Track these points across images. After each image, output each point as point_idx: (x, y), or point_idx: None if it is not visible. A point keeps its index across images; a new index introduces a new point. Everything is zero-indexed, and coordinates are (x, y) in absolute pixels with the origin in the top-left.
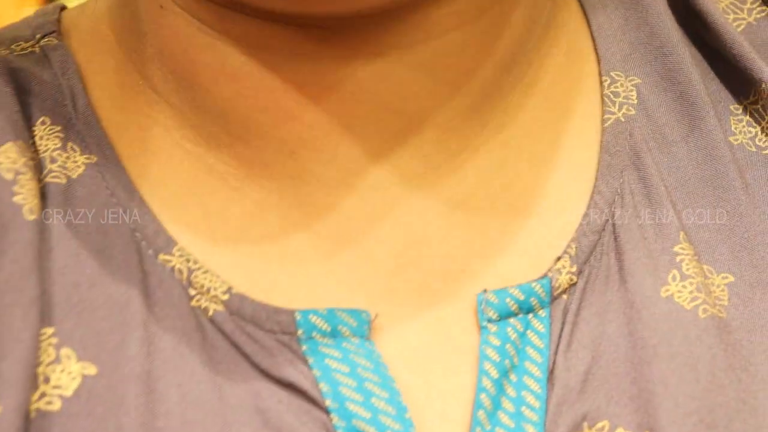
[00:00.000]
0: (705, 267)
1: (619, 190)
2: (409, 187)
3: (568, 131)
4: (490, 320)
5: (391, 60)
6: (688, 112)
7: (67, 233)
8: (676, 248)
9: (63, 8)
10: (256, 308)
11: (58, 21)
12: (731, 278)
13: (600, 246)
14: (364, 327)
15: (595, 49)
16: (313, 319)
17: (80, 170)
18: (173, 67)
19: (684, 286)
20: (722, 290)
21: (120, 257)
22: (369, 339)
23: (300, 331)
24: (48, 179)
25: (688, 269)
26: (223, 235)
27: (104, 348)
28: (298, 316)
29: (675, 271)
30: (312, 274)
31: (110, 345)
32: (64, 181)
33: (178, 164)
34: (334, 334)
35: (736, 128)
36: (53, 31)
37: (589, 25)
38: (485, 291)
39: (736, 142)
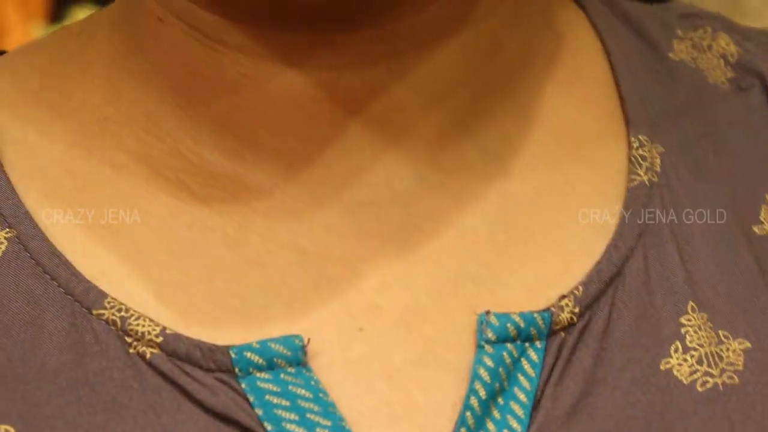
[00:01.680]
0: (721, 332)
1: (634, 250)
2: (401, 206)
3: (584, 179)
4: (487, 341)
5: (380, 70)
6: (711, 190)
7: None
8: (683, 319)
9: None
10: (190, 347)
11: None
12: (748, 344)
13: (606, 297)
14: (298, 354)
15: (623, 108)
16: (249, 355)
17: (3, 247)
18: (171, 83)
19: (685, 359)
20: (738, 355)
21: (52, 325)
22: (306, 365)
23: (237, 369)
24: None
25: (692, 341)
26: (203, 265)
27: (43, 419)
28: (233, 354)
29: (678, 343)
30: (295, 292)
31: (48, 414)
32: None
33: (146, 201)
34: (271, 365)
35: (764, 217)
36: None
37: (617, 81)
38: (488, 312)
39: (761, 232)
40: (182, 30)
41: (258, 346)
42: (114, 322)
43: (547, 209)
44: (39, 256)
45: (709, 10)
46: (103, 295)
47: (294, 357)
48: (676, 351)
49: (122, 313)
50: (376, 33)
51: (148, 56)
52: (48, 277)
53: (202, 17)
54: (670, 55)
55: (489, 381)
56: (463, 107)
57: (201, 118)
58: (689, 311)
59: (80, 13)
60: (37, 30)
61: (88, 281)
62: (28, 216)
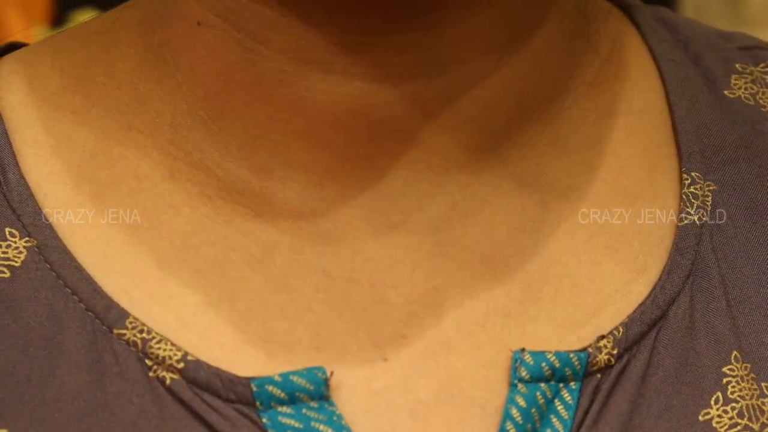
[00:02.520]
0: (764, 385)
1: (681, 293)
2: (432, 232)
3: (625, 216)
4: (521, 380)
5: (420, 83)
6: (764, 234)
7: (14, 328)
8: (725, 368)
9: (9, 48)
10: (211, 376)
11: None
12: None
13: (647, 340)
14: (321, 388)
15: (676, 140)
16: (270, 388)
17: (22, 256)
18: (204, 92)
19: (725, 411)
20: None
21: (71, 343)
22: (328, 399)
23: (258, 403)
24: None
25: (733, 392)
26: (225, 285)
27: None
28: (255, 387)
29: (719, 394)
30: (320, 318)
31: None
32: (7, 274)
33: (169, 215)
34: (293, 400)
35: None
36: None
37: (672, 112)
38: (523, 350)
39: None
40: (223, 32)
41: (280, 379)
42: (135, 344)
43: (583, 244)
44: (60, 268)
45: (710, 18)
46: (125, 314)
47: (317, 391)
48: (716, 402)
49: (144, 335)
50: (421, 38)
51: (181, 65)
52: (69, 291)
53: (249, 12)
54: (726, 92)
55: (521, 422)
56: (499, 132)
57: (232, 130)
58: (732, 361)
59: (82, 18)
60: (40, 34)
61: (109, 298)
62: (48, 225)
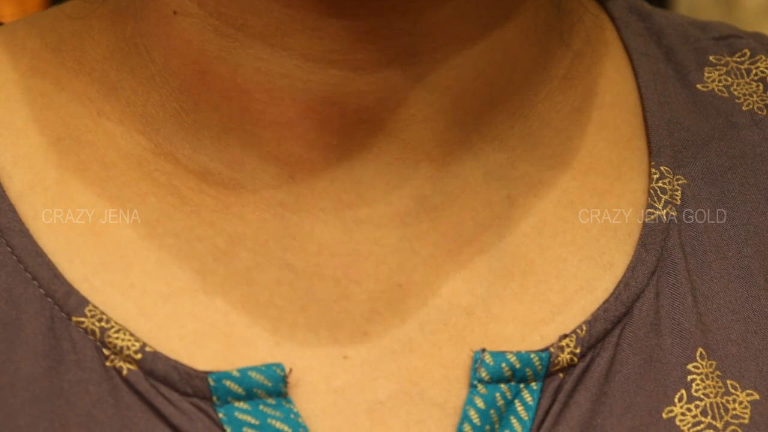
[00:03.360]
0: (729, 382)
1: (645, 289)
2: (398, 226)
3: (592, 211)
4: (480, 380)
5: (395, 72)
6: (734, 228)
7: None
8: (690, 366)
9: None
10: (168, 368)
11: None
12: (756, 396)
13: (611, 337)
14: (279, 385)
15: (647, 134)
16: (228, 383)
17: None
18: (179, 84)
19: (689, 409)
20: (744, 407)
21: (29, 328)
22: (286, 397)
23: (215, 397)
24: None
25: (697, 390)
26: (188, 276)
27: (16, 426)
28: (212, 382)
29: (683, 392)
30: (282, 312)
31: (22, 424)
32: None
33: (134, 204)
34: (251, 396)
35: None
36: None
37: (643, 106)
38: (483, 350)
39: None
40: (199, 20)
41: (238, 374)
42: (93, 332)
43: (549, 240)
44: (21, 252)
45: (704, 16)
46: (85, 302)
47: (274, 388)
48: (680, 400)
49: (102, 324)
50: (397, 23)
51: (155, 56)
52: (29, 275)
53: None
54: (699, 86)
55: (479, 423)
56: (470, 124)
57: (206, 123)
58: (698, 358)
59: None
60: None
61: (69, 285)
62: (11, 209)
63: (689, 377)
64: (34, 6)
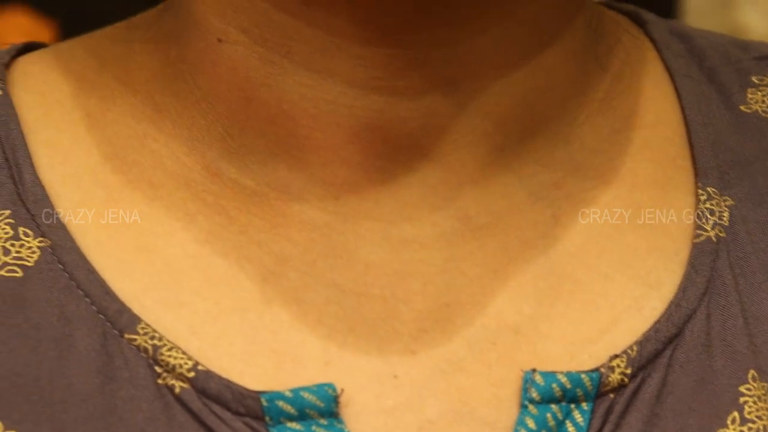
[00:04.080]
0: None
1: (697, 310)
2: (444, 247)
3: (638, 231)
4: (531, 401)
5: (437, 98)
6: None
7: (25, 328)
8: (742, 387)
9: (28, 48)
10: (221, 387)
11: (6, 66)
12: None
13: (662, 358)
14: (331, 405)
15: (693, 158)
16: (280, 403)
17: (35, 256)
18: (225, 109)
19: (742, 431)
20: None
21: (82, 344)
22: (338, 417)
23: (267, 417)
24: (2, 273)
25: (750, 412)
26: (237, 295)
27: None
28: (265, 402)
29: (736, 413)
30: (331, 331)
31: None
32: (20, 274)
33: (183, 223)
34: (303, 416)
35: None
36: None
37: (687, 126)
38: (534, 370)
39: None
40: (245, 48)
41: (290, 395)
42: (146, 350)
43: (595, 259)
44: (73, 269)
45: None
46: (137, 319)
47: (326, 408)
48: (733, 422)
49: (155, 341)
50: (439, 52)
51: (200, 82)
52: (81, 293)
53: (274, 24)
54: (742, 107)
55: None
56: (512, 148)
57: (251, 147)
58: (750, 380)
59: None
60: None
61: (121, 302)
62: (62, 226)
63: (741, 399)
64: (46, 39)
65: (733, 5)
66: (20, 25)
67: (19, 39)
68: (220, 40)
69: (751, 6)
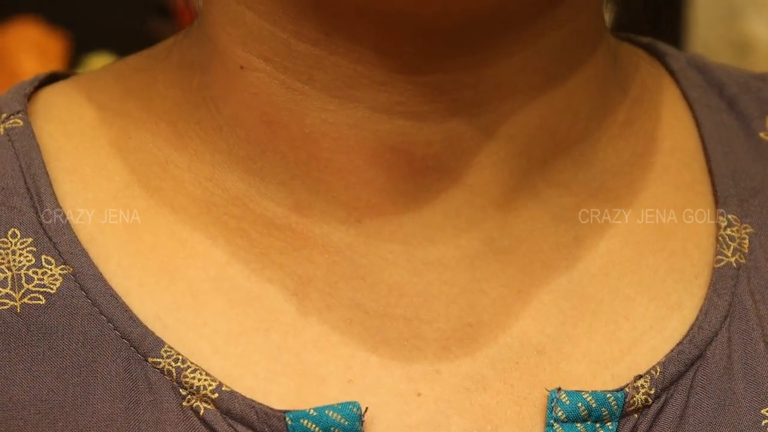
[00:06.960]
0: None
1: (719, 333)
2: (467, 268)
3: (658, 253)
4: (557, 420)
5: (461, 121)
6: None
7: (49, 355)
8: (764, 411)
9: (50, 79)
10: (245, 408)
11: (28, 97)
12: None
13: (685, 380)
14: (356, 423)
15: (713, 186)
16: (305, 422)
17: (58, 284)
18: (246, 134)
19: None
20: None
21: (105, 370)
22: None
23: None
24: (26, 300)
25: None
26: (260, 316)
27: None
28: (289, 421)
29: None
30: (354, 351)
31: None
32: (43, 301)
33: (205, 246)
34: None
35: None
36: (19, 111)
37: (707, 154)
38: (559, 389)
39: None
40: (266, 75)
41: (315, 413)
42: (170, 373)
43: (617, 281)
44: (95, 295)
45: (717, 60)
46: (160, 343)
47: (351, 426)
48: None
49: (178, 364)
50: (463, 77)
51: (222, 108)
52: (104, 318)
53: (296, 53)
54: (762, 134)
55: None
56: (535, 171)
57: (273, 170)
58: None
59: (97, 61)
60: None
61: (144, 327)
62: (84, 253)
63: (763, 422)
64: (56, 59)
65: (740, 15)
66: (31, 36)
67: (31, 50)
68: (242, 68)
69: (759, 16)
